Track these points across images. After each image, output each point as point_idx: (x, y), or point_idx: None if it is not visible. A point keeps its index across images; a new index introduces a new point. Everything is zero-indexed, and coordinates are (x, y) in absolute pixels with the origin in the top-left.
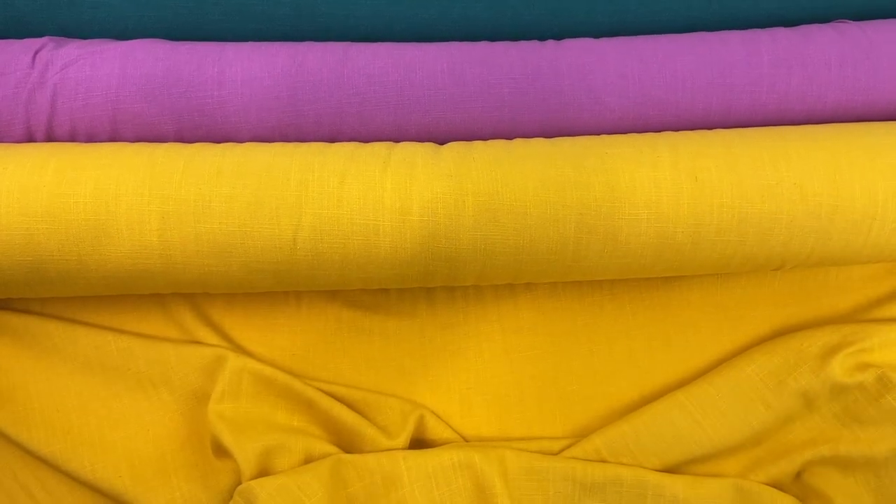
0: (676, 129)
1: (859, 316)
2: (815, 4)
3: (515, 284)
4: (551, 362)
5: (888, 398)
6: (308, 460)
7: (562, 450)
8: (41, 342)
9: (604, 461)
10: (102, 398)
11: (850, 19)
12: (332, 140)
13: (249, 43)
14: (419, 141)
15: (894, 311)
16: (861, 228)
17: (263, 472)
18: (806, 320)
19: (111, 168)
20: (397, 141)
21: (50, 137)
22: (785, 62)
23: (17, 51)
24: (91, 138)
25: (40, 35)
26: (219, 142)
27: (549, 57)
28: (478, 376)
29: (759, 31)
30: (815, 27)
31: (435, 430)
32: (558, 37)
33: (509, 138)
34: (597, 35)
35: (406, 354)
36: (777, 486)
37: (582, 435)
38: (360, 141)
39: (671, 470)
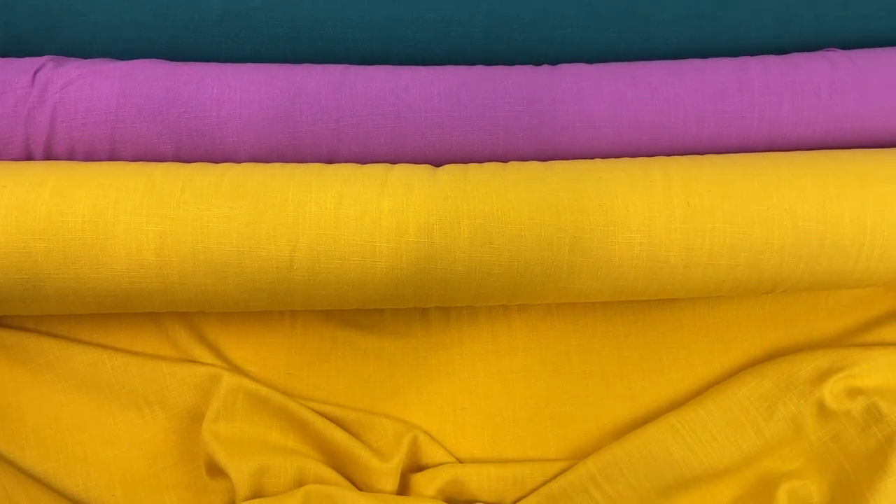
0: (669, 154)
1: (849, 339)
2: (805, 33)
3: (509, 306)
4: (545, 383)
5: (874, 430)
6: (301, 481)
7: (557, 473)
8: (35, 359)
9: (599, 487)
10: (96, 416)
11: (838, 48)
12: (330, 161)
13: (249, 64)
14: (415, 163)
15: (883, 335)
16: (850, 254)
17: (257, 492)
18: (796, 343)
19: (110, 187)
20: (394, 162)
21: (49, 156)
22: (775, 89)
23: (17, 70)
24: (90, 157)
25: (40, 54)
26: (217, 162)
27: (544, 81)
28: (472, 397)
29: (749, 58)
30: (804, 55)
31: (428, 451)
32: (553, 62)
33: (504, 161)
34: (591, 61)
35: (400, 375)
36: None
37: (576, 456)
38: (357, 162)
39: (663, 494)
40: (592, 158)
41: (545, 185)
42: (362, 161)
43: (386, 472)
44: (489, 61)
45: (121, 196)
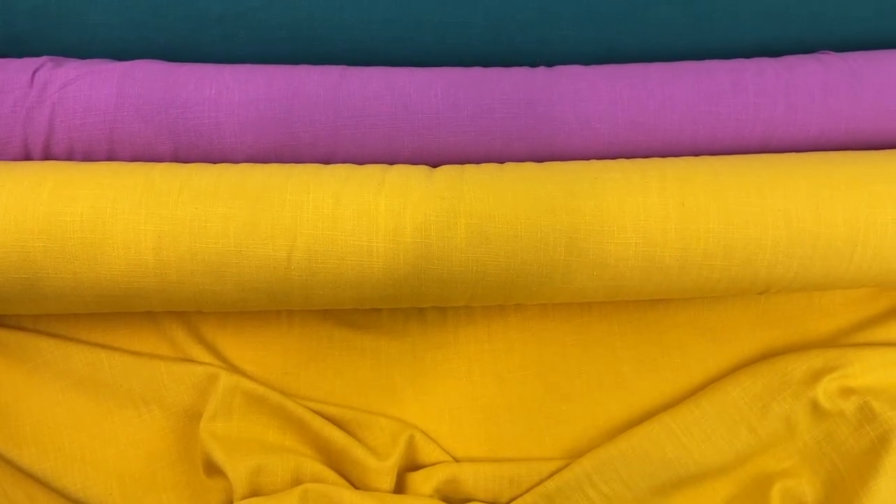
0: (664, 155)
1: (842, 339)
2: (800, 36)
3: (505, 305)
4: (541, 383)
5: (867, 429)
6: (298, 480)
7: (552, 472)
8: (33, 359)
9: (594, 486)
10: (94, 415)
11: (832, 51)
12: (327, 162)
13: (247, 65)
14: (413, 163)
15: (876, 335)
16: (843, 255)
17: (254, 490)
18: (790, 343)
19: (108, 187)
20: (391, 163)
21: (47, 156)
22: (769, 91)
23: (16, 70)
24: (88, 157)
25: (39, 54)
26: (215, 162)
27: (541, 83)
28: (468, 396)
29: (744, 60)
30: (798, 58)
31: (425, 450)
32: (550, 63)
33: (501, 162)
34: (588, 62)
35: (397, 374)
36: None
37: (572, 455)
38: (354, 163)
39: (659, 493)
40: (588, 159)
41: (541, 186)
42: (359, 161)
43: (382, 471)
44: (486, 62)
45: (119, 196)
